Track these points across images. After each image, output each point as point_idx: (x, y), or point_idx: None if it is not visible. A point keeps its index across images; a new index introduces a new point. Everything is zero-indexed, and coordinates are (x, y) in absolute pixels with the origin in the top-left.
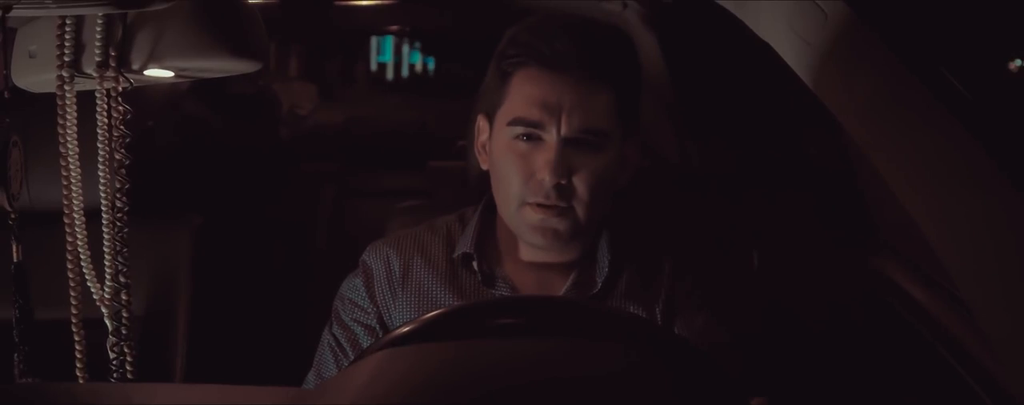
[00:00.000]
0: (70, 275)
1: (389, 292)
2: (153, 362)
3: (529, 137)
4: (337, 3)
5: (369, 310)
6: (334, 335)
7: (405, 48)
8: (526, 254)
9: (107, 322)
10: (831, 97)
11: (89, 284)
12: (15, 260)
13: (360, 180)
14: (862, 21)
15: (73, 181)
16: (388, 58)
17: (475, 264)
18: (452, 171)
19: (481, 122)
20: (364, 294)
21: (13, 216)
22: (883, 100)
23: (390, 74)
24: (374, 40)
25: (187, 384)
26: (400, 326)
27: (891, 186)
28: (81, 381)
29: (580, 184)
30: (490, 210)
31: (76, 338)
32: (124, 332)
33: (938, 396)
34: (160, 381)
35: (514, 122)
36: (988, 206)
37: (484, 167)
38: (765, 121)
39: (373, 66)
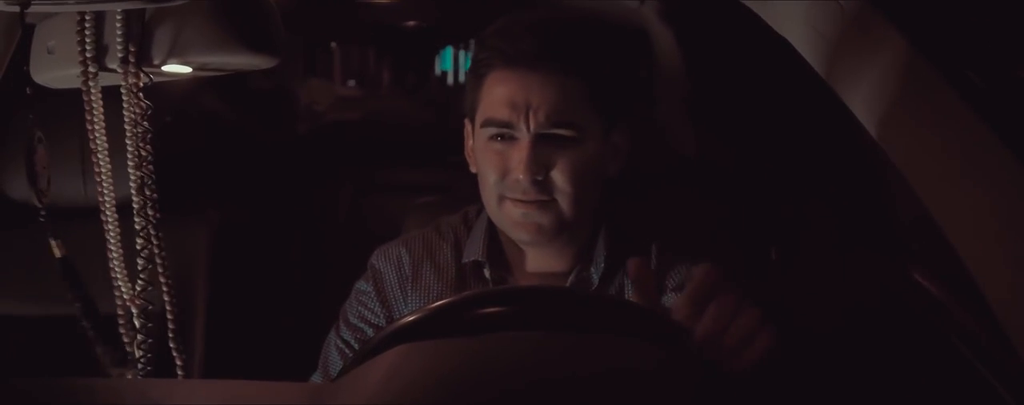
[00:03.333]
0: (113, 273)
1: (400, 294)
2: (171, 357)
3: (503, 137)
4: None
5: (379, 312)
6: (342, 337)
7: (462, 56)
8: (531, 264)
9: (135, 321)
10: (848, 91)
11: (119, 283)
12: (58, 255)
13: (378, 175)
14: (879, 14)
15: (104, 176)
16: (449, 66)
17: (487, 272)
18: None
19: (467, 127)
20: (374, 297)
21: (43, 212)
22: (900, 94)
23: (450, 80)
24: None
25: (204, 380)
26: (402, 316)
27: (909, 181)
28: (139, 377)
29: (559, 177)
30: None
31: (122, 331)
32: (147, 327)
33: (958, 392)
34: (177, 377)
35: (486, 123)
36: (1007, 200)
37: (473, 170)
38: (783, 116)
39: (437, 73)
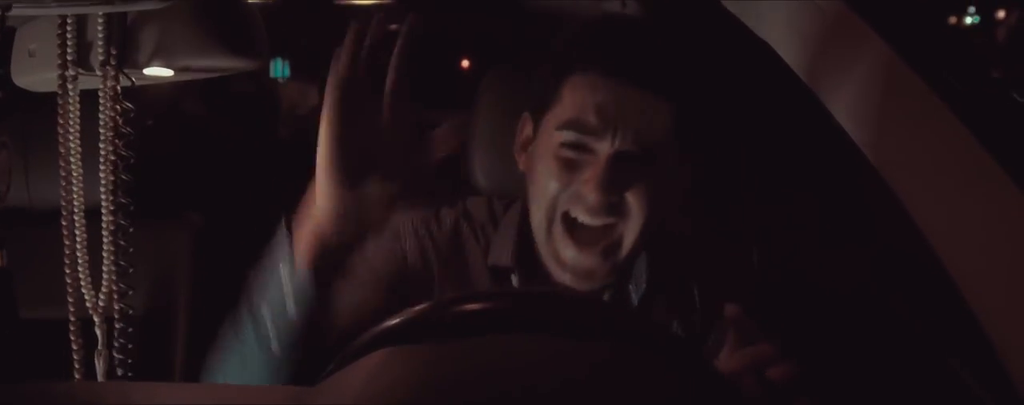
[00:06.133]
0: (67, 278)
1: (422, 257)
2: (153, 361)
3: (578, 147)
4: (337, 2)
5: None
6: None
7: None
8: (562, 279)
9: (96, 330)
10: (829, 95)
11: (83, 290)
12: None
13: None
14: (860, 18)
15: (74, 180)
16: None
17: (515, 279)
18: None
19: (525, 120)
20: (399, 248)
21: None
22: (881, 97)
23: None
24: None
25: (186, 383)
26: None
27: (890, 184)
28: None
29: (631, 201)
30: (527, 220)
31: (72, 338)
32: (128, 331)
33: (936, 392)
34: (159, 381)
35: (566, 126)
36: (988, 203)
37: (522, 168)
38: (765, 120)
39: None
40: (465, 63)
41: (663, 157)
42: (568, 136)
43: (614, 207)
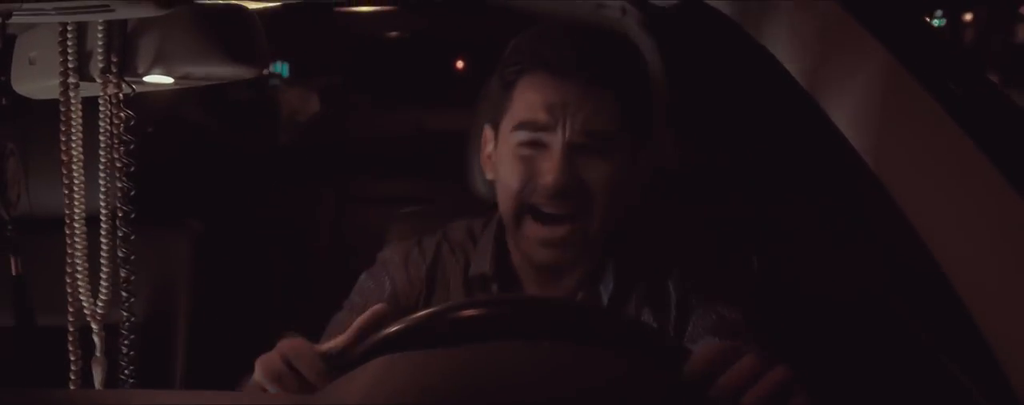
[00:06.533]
0: (68, 287)
1: (411, 287)
2: (153, 368)
3: (534, 144)
4: (337, 10)
5: (387, 292)
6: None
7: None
8: (540, 280)
9: (94, 337)
10: (827, 98)
11: (82, 298)
12: (14, 273)
13: (360, 186)
14: (858, 22)
15: (76, 188)
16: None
17: (495, 287)
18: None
19: (487, 132)
20: (385, 278)
21: (10, 226)
22: (879, 100)
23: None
24: None
25: (186, 390)
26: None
27: (887, 187)
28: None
29: (590, 189)
30: (503, 230)
31: (70, 346)
32: (130, 339)
33: (936, 397)
34: (160, 388)
35: (519, 126)
36: (985, 205)
37: (490, 177)
38: (764, 123)
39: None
40: (464, 65)
41: (615, 143)
42: (522, 136)
43: (573, 192)
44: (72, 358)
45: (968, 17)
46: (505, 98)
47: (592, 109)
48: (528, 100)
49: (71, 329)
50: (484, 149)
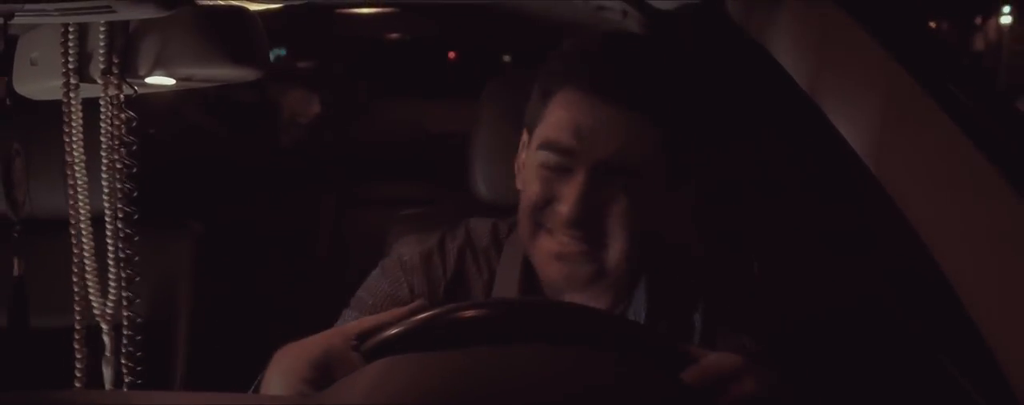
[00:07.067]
0: (75, 287)
1: (430, 292)
2: (154, 370)
3: (556, 167)
4: (338, 12)
5: (404, 293)
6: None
7: None
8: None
9: (104, 337)
10: (828, 101)
11: (91, 298)
12: (16, 273)
13: (361, 188)
14: (858, 24)
15: (79, 189)
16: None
17: None
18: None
19: (525, 136)
20: (403, 282)
21: (18, 227)
22: (880, 103)
23: None
24: None
25: (187, 392)
26: (392, 326)
27: (887, 190)
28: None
29: (608, 223)
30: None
31: (77, 347)
32: (135, 339)
33: (936, 398)
34: (160, 388)
35: (544, 146)
36: (985, 209)
37: (518, 186)
38: (765, 126)
39: None
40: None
41: (649, 173)
42: (544, 156)
43: (590, 224)
44: (78, 358)
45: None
46: (541, 108)
47: (626, 137)
48: (558, 118)
49: (78, 327)
50: (520, 155)
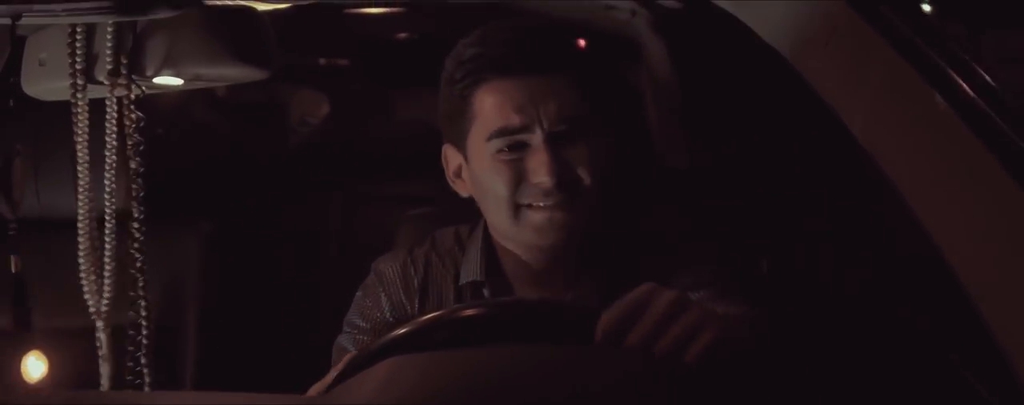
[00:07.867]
0: (84, 286)
1: (407, 301)
2: (163, 369)
3: (513, 146)
4: (347, 11)
5: (386, 309)
6: (356, 338)
7: None
8: (533, 281)
9: (99, 335)
10: (836, 98)
11: (86, 296)
12: (13, 271)
13: (369, 188)
14: (866, 21)
15: (88, 189)
16: None
17: (487, 292)
18: None
19: (448, 151)
20: (381, 294)
21: (13, 225)
22: (888, 100)
23: None
24: None
25: (196, 391)
26: (397, 328)
27: (896, 186)
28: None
29: (580, 173)
30: (490, 236)
31: (100, 345)
32: (144, 339)
33: (944, 395)
34: (170, 388)
35: (495, 135)
36: (994, 206)
37: (465, 194)
38: (773, 123)
39: None
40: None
41: (592, 127)
42: (500, 143)
43: (566, 183)
44: (101, 358)
45: None
46: (465, 112)
47: (559, 98)
48: (494, 106)
49: (100, 324)
50: (448, 169)
